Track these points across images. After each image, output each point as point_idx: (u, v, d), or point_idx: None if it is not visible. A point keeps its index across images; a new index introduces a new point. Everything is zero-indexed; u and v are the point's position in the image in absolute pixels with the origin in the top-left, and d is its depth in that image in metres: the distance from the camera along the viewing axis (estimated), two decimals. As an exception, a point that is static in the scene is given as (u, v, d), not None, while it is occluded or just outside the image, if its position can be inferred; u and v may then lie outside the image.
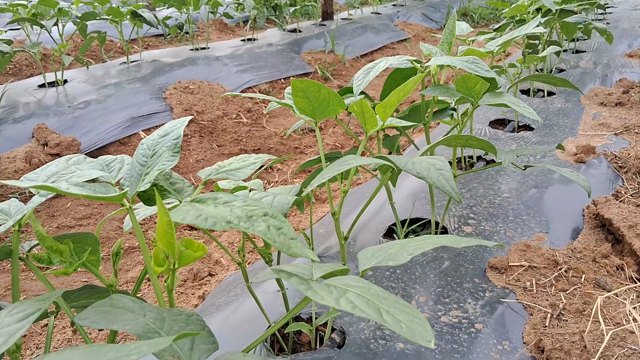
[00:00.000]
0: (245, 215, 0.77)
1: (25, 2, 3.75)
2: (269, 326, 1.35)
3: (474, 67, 1.49)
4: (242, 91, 4.33)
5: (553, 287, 1.52)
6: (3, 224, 0.87)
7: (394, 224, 1.80)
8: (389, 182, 1.79)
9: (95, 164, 0.88)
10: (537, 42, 3.32)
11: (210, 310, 1.54)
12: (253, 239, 1.21)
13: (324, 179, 1.01)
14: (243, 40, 5.32)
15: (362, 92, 1.71)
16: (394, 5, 7.58)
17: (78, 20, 3.72)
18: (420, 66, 1.59)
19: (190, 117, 0.87)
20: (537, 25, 1.83)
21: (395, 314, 0.71)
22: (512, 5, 3.02)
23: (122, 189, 0.81)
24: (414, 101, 4.21)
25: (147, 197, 0.83)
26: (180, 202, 0.84)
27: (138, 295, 1.57)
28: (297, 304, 0.82)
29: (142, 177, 0.80)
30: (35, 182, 0.91)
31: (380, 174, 1.69)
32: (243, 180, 1.37)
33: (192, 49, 4.83)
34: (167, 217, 0.67)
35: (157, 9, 7.24)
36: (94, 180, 0.84)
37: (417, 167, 1.11)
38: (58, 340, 1.69)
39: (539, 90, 3.31)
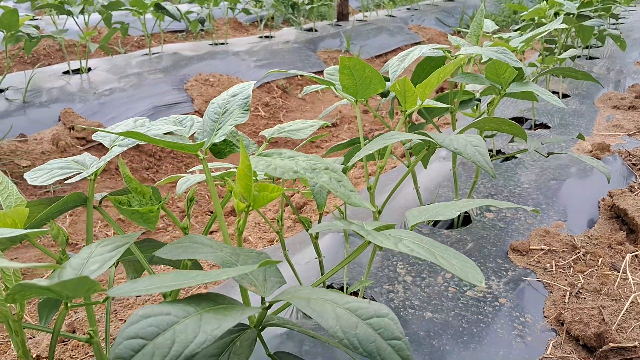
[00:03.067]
0: (310, 167, 0.84)
1: (52, -9, 3.84)
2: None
3: (502, 57, 1.56)
4: (260, 86, 4.41)
5: (571, 268, 1.59)
6: (81, 172, 0.95)
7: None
8: (414, 166, 1.85)
9: (168, 120, 0.95)
10: (553, 45, 3.40)
11: (243, 280, 1.61)
12: (293, 205, 1.29)
13: (370, 151, 1.08)
14: (260, 37, 5.41)
15: (386, 78, 1.78)
16: (408, 8, 7.66)
17: (104, 9, 3.81)
18: (451, 55, 1.66)
19: (254, 81, 0.94)
20: (561, 23, 1.91)
21: (448, 258, 0.78)
22: (531, 9, 3.09)
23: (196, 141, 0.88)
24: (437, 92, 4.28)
25: (217, 151, 0.91)
26: (248, 156, 0.92)
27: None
28: (349, 255, 0.89)
29: (215, 131, 0.88)
30: (110, 140, 0.99)
31: (408, 157, 1.77)
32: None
33: (211, 44, 4.92)
34: (248, 161, 0.74)
35: (174, 4, 7.33)
36: (169, 134, 0.91)
37: (455, 143, 1.19)
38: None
39: (554, 92, 3.38)
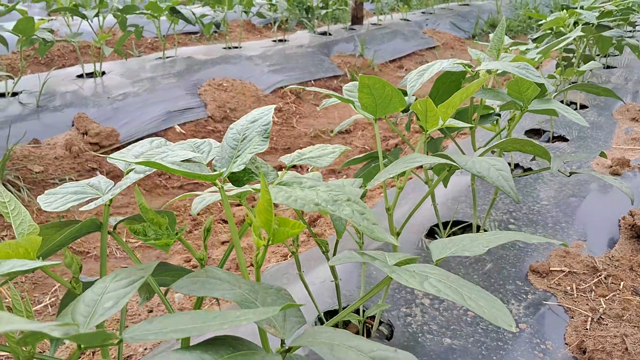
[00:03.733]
0: (331, 199, 0.81)
1: (67, -7, 3.83)
2: (318, 315, 1.39)
3: (525, 73, 1.52)
4: (274, 91, 4.39)
5: (593, 292, 1.55)
6: (96, 198, 0.92)
7: (436, 225, 1.84)
8: (435, 187, 1.82)
9: (185, 145, 0.93)
10: (571, 55, 3.35)
11: (257, 298, 1.58)
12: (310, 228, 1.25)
13: (390, 175, 1.05)
14: (274, 41, 5.39)
15: (403, 92, 1.75)
16: (422, 12, 7.62)
17: (119, 12, 3.80)
18: (471, 70, 1.63)
19: (274, 105, 0.91)
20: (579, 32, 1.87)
21: (476, 299, 0.75)
22: (550, 18, 3.04)
23: (214, 169, 0.85)
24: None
25: (236, 179, 0.88)
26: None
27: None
28: (374, 287, 0.86)
29: (234, 159, 0.85)
30: (134, 159, 0.96)
31: (426, 173, 1.73)
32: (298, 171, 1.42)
33: (225, 48, 4.91)
34: (268, 195, 0.72)
35: (187, 6, 7.32)
36: (186, 161, 0.89)
37: (477, 167, 1.15)
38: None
39: (571, 102, 3.33)
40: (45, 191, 0.97)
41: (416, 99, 1.68)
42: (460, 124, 1.31)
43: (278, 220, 0.76)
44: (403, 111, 1.61)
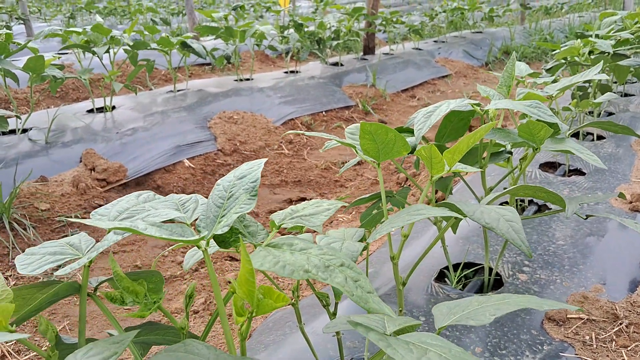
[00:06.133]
0: (323, 264, 0.75)
1: (79, 30, 3.85)
2: (320, 370, 1.32)
3: (537, 112, 1.46)
4: (284, 122, 4.36)
5: (614, 342, 1.46)
6: (76, 259, 0.87)
7: (446, 267, 1.76)
8: (445, 232, 1.75)
9: (169, 202, 0.87)
10: (587, 84, 3.28)
11: (258, 348, 1.51)
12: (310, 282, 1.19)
13: (393, 228, 0.99)
14: (286, 72, 5.38)
15: (406, 130, 1.69)
16: (435, 41, 7.59)
17: (129, 48, 3.81)
18: (480, 109, 1.57)
19: (265, 159, 0.86)
20: (598, 72, 1.80)
21: (479, 377, 0.68)
22: (563, 47, 2.98)
23: (198, 230, 0.80)
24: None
25: (222, 240, 0.83)
26: (255, 245, 0.83)
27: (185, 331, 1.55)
28: (375, 354, 0.79)
29: (219, 219, 0.79)
30: (108, 220, 0.91)
31: (435, 220, 1.67)
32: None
33: (236, 80, 4.90)
34: (249, 265, 0.66)
35: (200, 39, 7.38)
36: (169, 220, 0.83)
37: (486, 217, 1.09)
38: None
39: (588, 133, 3.25)
40: (26, 249, 0.92)
41: (423, 138, 1.62)
42: (468, 168, 1.25)
43: (262, 290, 0.70)
44: (409, 153, 1.55)
